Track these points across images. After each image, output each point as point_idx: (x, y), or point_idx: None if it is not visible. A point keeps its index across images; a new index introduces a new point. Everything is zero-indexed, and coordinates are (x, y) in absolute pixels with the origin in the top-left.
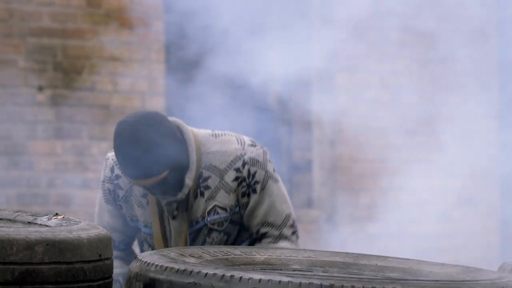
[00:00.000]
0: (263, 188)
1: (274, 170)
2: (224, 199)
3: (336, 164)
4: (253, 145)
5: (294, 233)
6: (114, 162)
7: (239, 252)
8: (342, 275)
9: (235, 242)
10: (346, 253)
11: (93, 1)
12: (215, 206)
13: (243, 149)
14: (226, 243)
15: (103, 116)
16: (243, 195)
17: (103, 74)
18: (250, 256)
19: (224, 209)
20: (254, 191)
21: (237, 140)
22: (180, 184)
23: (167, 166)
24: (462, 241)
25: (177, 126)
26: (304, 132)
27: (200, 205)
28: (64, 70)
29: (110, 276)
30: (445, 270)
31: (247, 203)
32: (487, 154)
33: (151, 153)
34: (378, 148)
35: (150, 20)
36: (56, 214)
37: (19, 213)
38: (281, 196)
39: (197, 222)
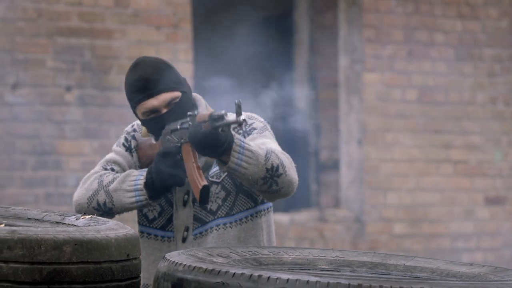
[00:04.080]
0: (261, 133)
1: (272, 134)
2: None
3: (364, 164)
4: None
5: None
6: (137, 124)
7: (267, 252)
8: (370, 275)
9: (234, 205)
10: (374, 253)
11: (121, 1)
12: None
13: (245, 112)
14: (225, 201)
15: (131, 116)
16: None
17: None
18: (278, 256)
19: None
20: (250, 134)
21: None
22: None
23: (179, 87)
24: (490, 241)
25: (186, 80)
26: (332, 131)
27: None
28: (92, 70)
29: (138, 276)
30: (473, 270)
31: None
32: None
33: (164, 70)
34: (406, 148)
35: (177, 20)
36: (84, 213)
37: (47, 213)
38: (278, 147)
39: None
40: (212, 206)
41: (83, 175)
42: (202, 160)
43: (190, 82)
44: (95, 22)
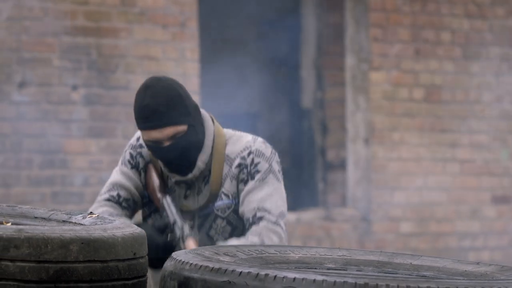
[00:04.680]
0: (263, 179)
1: (279, 171)
2: (229, 186)
3: (371, 163)
4: (264, 143)
5: (284, 231)
6: (137, 136)
7: (273, 250)
8: (376, 274)
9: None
10: (381, 252)
11: None
12: (221, 192)
13: (254, 142)
14: (231, 235)
15: None
16: (241, 181)
17: (138, 73)
18: (285, 254)
19: (227, 195)
20: (253, 178)
21: (252, 137)
22: (192, 163)
23: (186, 120)
24: (497, 240)
25: (197, 106)
26: (339, 130)
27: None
28: (98, 69)
29: (145, 275)
30: (479, 269)
31: (243, 190)
32: None
33: (173, 102)
34: (412, 147)
35: (184, 19)
36: (91, 212)
37: (53, 212)
38: (281, 193)
39: (206, 207)
40: (219, 238)
41: (90, 174)
42: (207, 193)
43: (196, 81)
44: (101, 21)
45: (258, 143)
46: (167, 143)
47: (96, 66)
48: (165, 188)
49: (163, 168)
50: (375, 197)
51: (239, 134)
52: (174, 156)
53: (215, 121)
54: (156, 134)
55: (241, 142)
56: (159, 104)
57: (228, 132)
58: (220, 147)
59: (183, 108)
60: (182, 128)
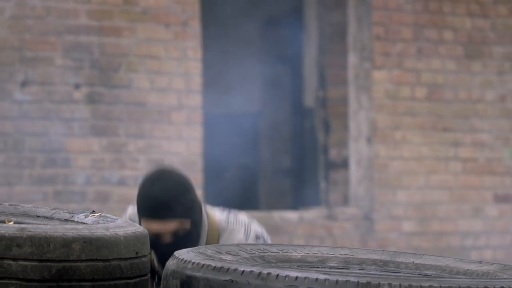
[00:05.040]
0: None
1: None
2: None
3: (373, 162)
4: (257, 238)
5: None
6: (129, 218)
7: (275, 249)
8: (379, 272)
9: None
10: (383, 250)
11: None
12: None
13: (246, 241)
14: None
15: (140, 113)
16: None
17: (140, 72)
18: (287, 253)
19: None
20: None
21: (245, 230)
22: None
23: (191, 215)
24: (499, 239)
25: (201, 203)
26: (341, 129)
27: None
28: (100, 68)
29: (147, 274)
30: (482, 268)
31: None
32: None
33: (183, 196)
34: (415, 146)
35: (186, 18)
36: (93, 211)
37: (56, 211)
38: None
39: None
40: None
41: (92, 172)
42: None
43: (198, 80)
44: (104, 19)
45: (250, 241)
46: (167, 239)
47: (98, 65)
48: (154, 282)
49: (156, 264)
50: (377, 196)
51: (231, 227)
52: (171, 253)
53: (208, 212)
54: (158, 227)
55: (233, 240)
56: (169, 196)
57: (220, 222)
58: (213, 243)
59: (190, 203)
60: (186, 223)
